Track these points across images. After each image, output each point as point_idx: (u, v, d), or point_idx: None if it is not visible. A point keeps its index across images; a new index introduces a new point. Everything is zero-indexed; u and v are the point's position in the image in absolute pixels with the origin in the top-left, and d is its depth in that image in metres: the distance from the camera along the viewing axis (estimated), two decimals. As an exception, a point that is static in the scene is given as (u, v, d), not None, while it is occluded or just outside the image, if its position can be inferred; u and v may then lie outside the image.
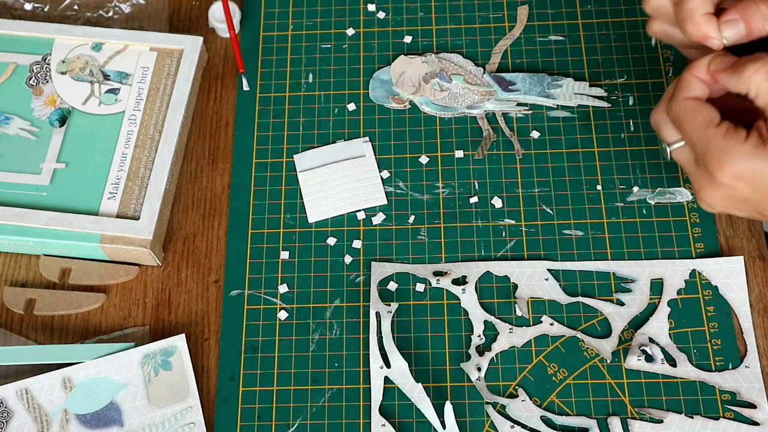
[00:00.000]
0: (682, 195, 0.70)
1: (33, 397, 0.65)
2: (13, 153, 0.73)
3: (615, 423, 0.63)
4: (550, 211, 0.71)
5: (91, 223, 0.69)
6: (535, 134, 0.74)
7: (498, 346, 0.66)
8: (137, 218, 0.69)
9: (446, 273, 0.68)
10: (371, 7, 0.80)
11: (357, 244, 0.70)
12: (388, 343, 0.65)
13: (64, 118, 0.74)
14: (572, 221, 0.70)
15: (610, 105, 0.75)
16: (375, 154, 0.74)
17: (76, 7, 0.81)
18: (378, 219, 0.71)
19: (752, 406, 0.64)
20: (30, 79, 0.76)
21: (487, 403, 0.64)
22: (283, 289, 0.69)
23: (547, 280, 0.68)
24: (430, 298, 0.68)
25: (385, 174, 0.73)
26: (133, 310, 0.69)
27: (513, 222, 0.71)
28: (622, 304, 0.67)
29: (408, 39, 0.79)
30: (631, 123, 0.74)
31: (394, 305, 0.67)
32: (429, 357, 0.66)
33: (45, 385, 0.65)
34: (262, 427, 0.65)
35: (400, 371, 0.64)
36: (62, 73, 0.76)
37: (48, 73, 0.76)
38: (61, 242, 0.69)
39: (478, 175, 0.73)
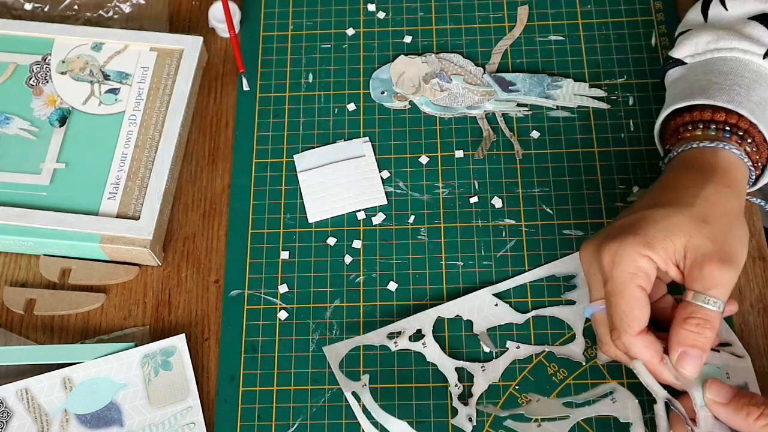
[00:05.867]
0: (682, 195, 0.70)
1: (33, 397, 0.65)
2: (13, 153, 0.73)
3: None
4: (550, 211, 0.71)
5: (91, 223, 0.69)
6: (535, 134, 0.74)
7: (478, 389, 0.64)
8: (137, 218, 0.69)
9: (400, 333, 0.66)
10: (371, 7, 0.80)
11: (357, 244, 0.70)
12: (378, 414, 0.62)
13: (64, 118, 0.74)
14: (572, 221, 0.70)
15: (609, 106, 0.75)
16: (375, 154, 0.74)
17: (76, 7, 0.81)
18: (378, 219, 0.71)
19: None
20: (30, 79, 0.76)
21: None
22: (283, 289, 0.69)
23: (496, 305, 0.67)
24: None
25: (385, 174, 0.73)
26: (133, 310, 0.69)
27: (513, 222, 0.71)
28: (572, 302, 0.67)
29: (408, 39, 0.79)
30: (631, 123, 0.74)
31: (366, 377, 0.64)
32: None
33: (45, 385, 0.65)
34: (262, 427, 0.65)
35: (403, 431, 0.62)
36: (62, 73, 0.76)
37: (48, 73, 0.76)
38: (61, 242, 0.69)
39: (478, 175, 0.73)
